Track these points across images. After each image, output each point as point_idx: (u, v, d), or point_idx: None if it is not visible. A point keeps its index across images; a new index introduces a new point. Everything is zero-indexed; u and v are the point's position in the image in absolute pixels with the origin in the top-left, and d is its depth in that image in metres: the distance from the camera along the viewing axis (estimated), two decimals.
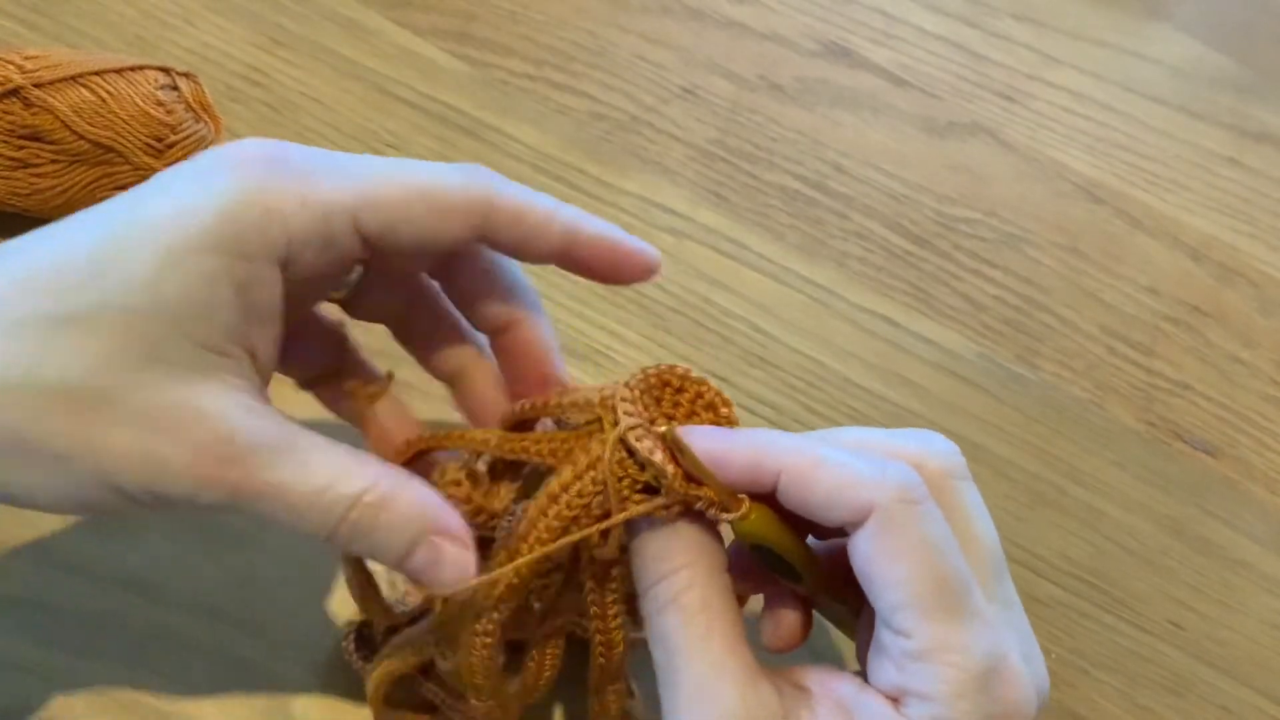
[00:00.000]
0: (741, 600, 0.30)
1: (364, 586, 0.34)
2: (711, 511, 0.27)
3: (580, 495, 0.28)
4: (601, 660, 0.31)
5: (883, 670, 0.27)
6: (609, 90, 0.55)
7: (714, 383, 0.30)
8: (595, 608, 0.30)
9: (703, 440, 0.27)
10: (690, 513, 0.28)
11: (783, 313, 0.51)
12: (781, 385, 0.49)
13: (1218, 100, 0.62)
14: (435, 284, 0.33)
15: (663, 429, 0.27)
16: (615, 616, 0.30)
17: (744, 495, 0.27)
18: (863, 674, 0.30)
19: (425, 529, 0.27)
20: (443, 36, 0.55)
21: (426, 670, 0.35)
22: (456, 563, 0.27)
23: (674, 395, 0.29)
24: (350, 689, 0.38)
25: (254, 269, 0.25)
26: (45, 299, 0.24)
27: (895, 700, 0.27)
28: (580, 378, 0.47)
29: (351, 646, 0.38)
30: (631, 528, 0.28)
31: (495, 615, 0.29)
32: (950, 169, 0.57)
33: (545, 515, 0.28)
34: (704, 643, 0.27)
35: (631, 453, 0.27)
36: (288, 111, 0.51)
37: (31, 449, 0.24)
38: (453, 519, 0.28)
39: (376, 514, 0.26)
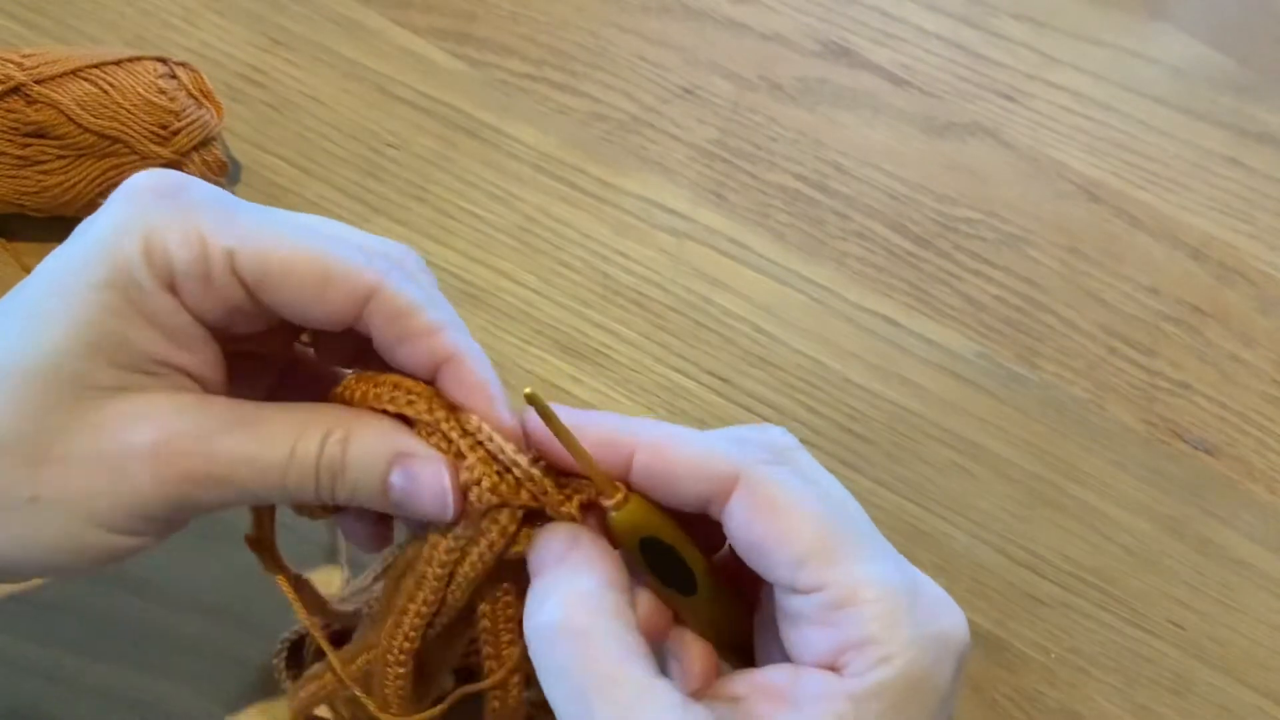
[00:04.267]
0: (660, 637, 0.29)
1: (300, 589, 0.33)
2: (585, 497, 0.27)
3: (461, 534, 0.27)
4: (496, 704, 0.31)
5: (807, 640, 0.26)
6: (609, 90, 0.55)
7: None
8: (488, 645, 0.30)
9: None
10: (587, 537, 0.27)
11: (783, 313, 0.51)
12: (781, 385, 0.49)
13: (1218, 100, 0.62)
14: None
15: (528, 392, 0.26)
16: (509, 644, 0.30)
17: (619, 483, 0.27)
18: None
19: (393, 451, 0.26)
20: (443, 36, 0.55)
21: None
22: (432, 482, 0.26)
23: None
24: None
25: (150, 296, 0.25)
26: None
27: (832, 668, 0.25)
28: (580, 377, 0.47)
29: (283, 663, 0.36)
30: (518, 561, 0.27)
31: (405, 645, 0.29)
32: (950, 169, 0.57)
33: (435, 554, 0.28)
34: (623, 673, 0.25)
35: (499, 471, 0.27)
36: (288, 111, 0.51)
37: (2, 499, 0.25)
38: (416, 443, 0.27)
39: (344, 449, 0.26)
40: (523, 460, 0.27)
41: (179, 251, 0.25)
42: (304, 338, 0.32)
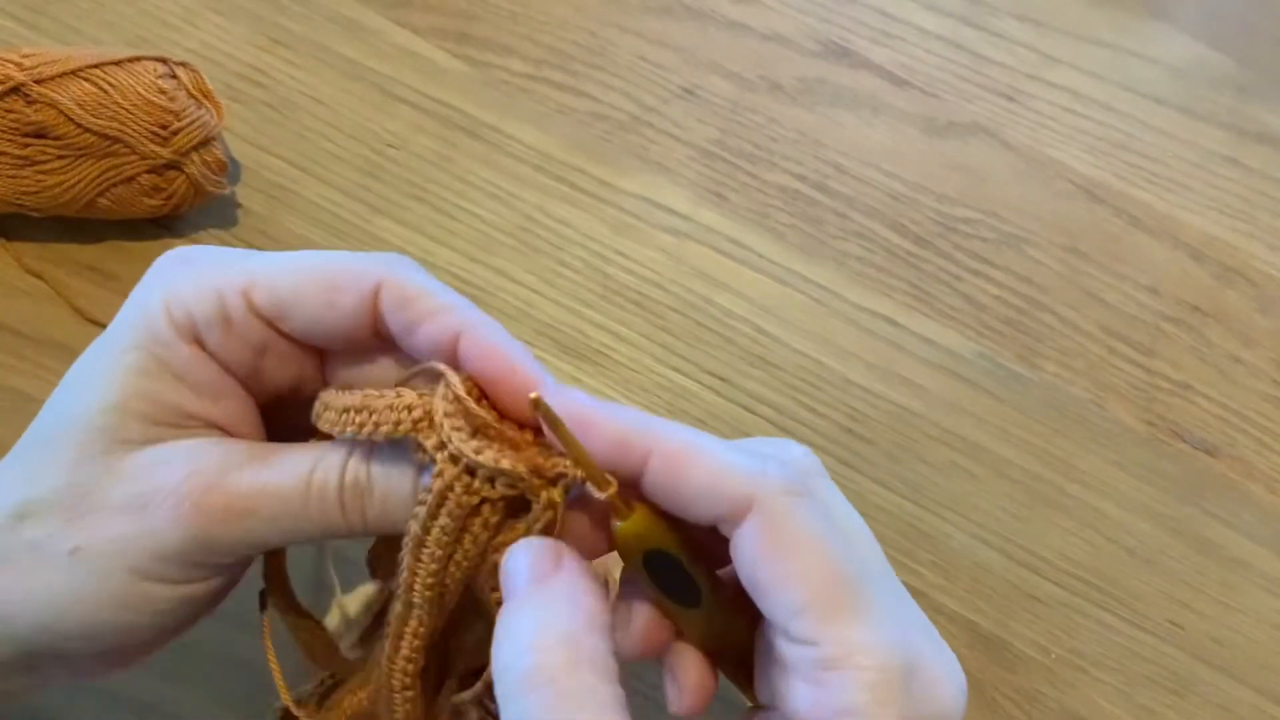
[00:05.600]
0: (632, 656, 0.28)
1: (311, 635, 0.32)
2: (575, 486, 0.25)
3: (445, 533, 0.26)
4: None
5: (793, 692, 0.25)
6: (609, 90, 0.55)
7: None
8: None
9: (568, 404, 0.25)
10: (569, 559, 0.25)
11: (783, 313, 0.51)
12: (782, 385, 0.49)
13: (1218, 100, 0.62)
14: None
15: (533, 397, 0.24)
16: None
17: (614, 478, 0.25)
18: (762, 705, 0.27)
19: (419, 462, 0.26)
20: (443, 36, 0.55)
21: None
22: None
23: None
24: None
25: (175, 352, 0.27)
26: (27, 437, 0.28)
27: None
28: (580, 377, 0.47)
29: None
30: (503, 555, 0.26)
31: (409, 668, 0.27)
32: (950, 169, 0.57)
33: (421, 561, 0.26)
34: None
35: (471, 472, 0.25)
36: (288, 111, 0.51)
37: (46, 554, 0.26)
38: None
39: (368, 467, 0.26)
40: (486, 458, 0.25)
41: (196, 304, 0.27)
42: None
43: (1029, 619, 0.46)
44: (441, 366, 0.26)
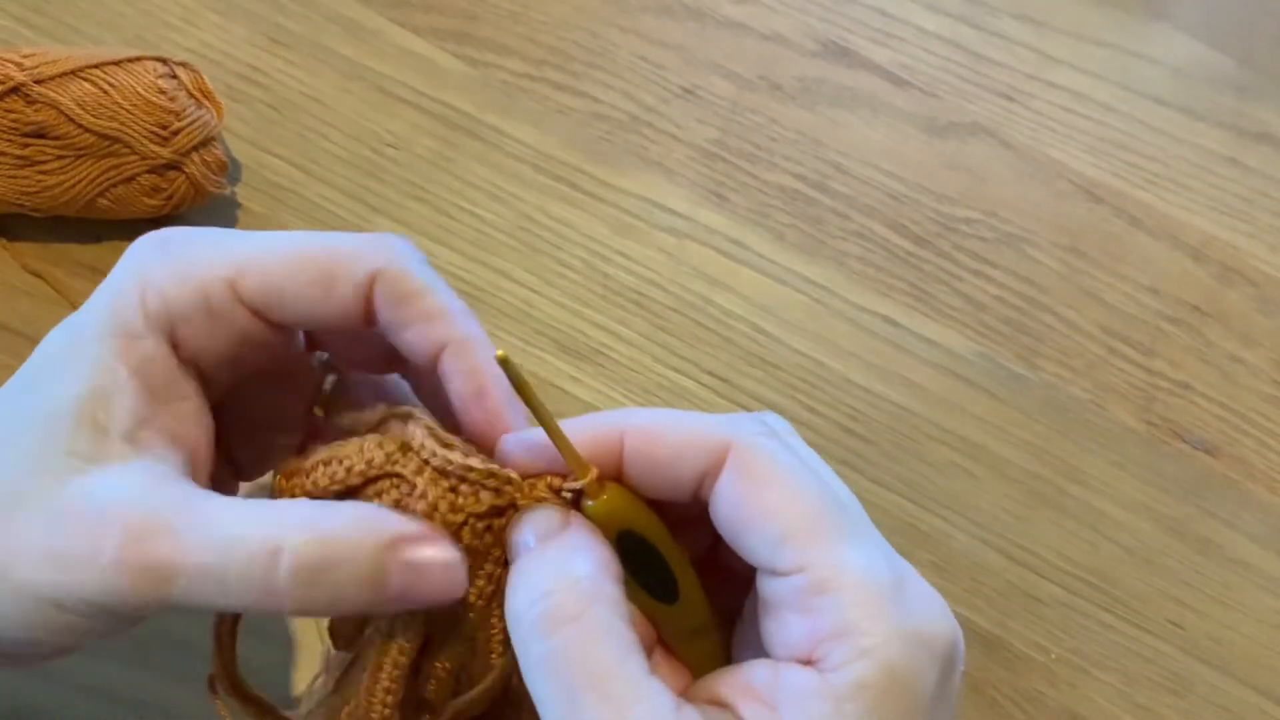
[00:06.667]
0: None
1: (243, 694, 0.29)
2: (550, 481, 0.25)
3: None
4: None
5: (784, 628, 0.24)
6: (609, 90, 0.55)
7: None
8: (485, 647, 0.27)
9: (535, 434, 0.25)
10: (579, 519, 0.25)
11: (783, 313, 0.51)
12: (781, 385, 0.49)
13: (1218, 100, 0.62)
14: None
15: (500, 355, 0.24)
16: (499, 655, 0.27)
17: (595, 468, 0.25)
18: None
19: (380, 543, 0.23)
20: (443, 36, 0.55)
21: None
22: (445, 565, 0.24)
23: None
24: None
25: (143, 347, 0.25)
26: None
27: (810, 662, 0.23)
28: (580, 377, 0.47)
29: None
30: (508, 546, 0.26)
31: (388, 699, 0.26)
32: (950, 169, 0.57)
33: None
34: (619, 668, 0.23)
35: (454, 489, 0.25)
36: (288, 111, 0.51)
37: None
38: (406, 522, 0.24)
39: (317, 550, 0.23)
40: (475, 462, 0.25)
41: (175, 293, 0.25)
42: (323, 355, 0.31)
43: (1029, 619, 0.46)
44: (409, 408, 0.26)
